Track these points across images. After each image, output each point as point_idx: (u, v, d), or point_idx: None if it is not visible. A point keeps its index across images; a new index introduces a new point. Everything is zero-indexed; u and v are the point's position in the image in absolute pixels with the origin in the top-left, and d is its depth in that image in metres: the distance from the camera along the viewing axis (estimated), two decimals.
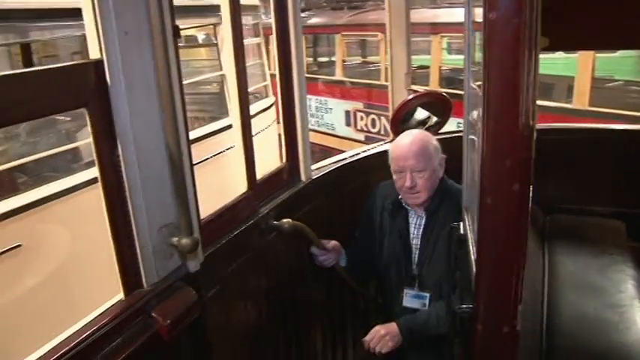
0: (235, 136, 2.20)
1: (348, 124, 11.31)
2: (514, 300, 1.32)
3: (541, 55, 1.25)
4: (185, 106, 1.65)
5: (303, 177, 2.72)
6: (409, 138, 2.52)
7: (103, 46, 1.35)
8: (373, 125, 10.82)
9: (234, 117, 2.21)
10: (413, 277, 2.59)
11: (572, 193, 3.75)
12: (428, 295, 2.56)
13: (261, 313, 2.43)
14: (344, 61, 11.67)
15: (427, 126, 3.39)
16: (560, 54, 8.31)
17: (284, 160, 2.67)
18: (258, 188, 2.30)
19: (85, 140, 4.67)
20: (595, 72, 8.89)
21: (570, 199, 3.71)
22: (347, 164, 3.20)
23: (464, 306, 1.60)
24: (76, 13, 1.50)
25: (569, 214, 3.61)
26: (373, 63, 11.80)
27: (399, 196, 2.60)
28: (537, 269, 2.88)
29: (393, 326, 2.53)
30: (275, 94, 4.35)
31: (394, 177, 2.54)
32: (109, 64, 1.36)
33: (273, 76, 7.38)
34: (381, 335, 2.51)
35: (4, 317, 3.57)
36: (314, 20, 12.35)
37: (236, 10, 2.11)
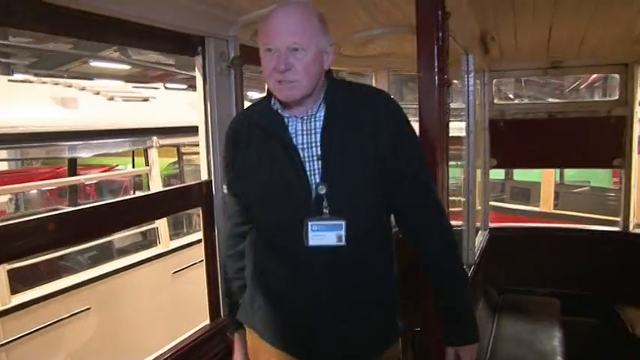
0: None
1: None
2: None
3: None
4: None
5: None
6: (289, 7, 1.75)
7: (212, 170, 2.43)
8: None
9: None
10: (318, 199, 1.75)
11: (520, 278, 4.70)
12: (343, 222, 1.75)
13: None
14: None
15: None
16: None
17: None
18: None
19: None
20: (564, 179, 10.21)
21: (519, 282, 4.69)
22: None
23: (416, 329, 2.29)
24: None
25: (517, 294, 4.60)
26: None
27: (272, 104, 1.82)
28: (486, 333, 3.82)
29: (469, 350, 1.91)
30: None
31: (262, 62, 1.75)
32: (215, 183, 2.44)
33: None
34: None
35: None
36: None
37: None
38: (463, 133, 3.67)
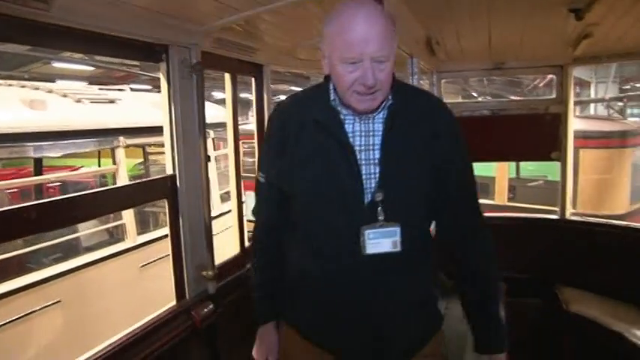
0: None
1: None
2: None
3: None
4: (210, 199, 2.96)
5: None
6: (367, 10, 1.63)
7: (177, 165, 2.68)
8: None
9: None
10: (373, 206, 1.72)
11: None
12: (398, 228, 1.73)
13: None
14: None
15: None
16: None
17: None
18: (247, 251, 3.57)
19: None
20: (519, 174, 10.73)
21: None
22: None
23: None
24: None
25: None
26: None
27: (331, 99, 1.78)
28: None
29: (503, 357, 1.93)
30: None
31: (338, 69, 1.65)
32: (180, 177, 2.69)
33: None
34: None
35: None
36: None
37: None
38: None
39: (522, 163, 10.69)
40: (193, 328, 2.76)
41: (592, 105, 17.39)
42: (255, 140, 3.83)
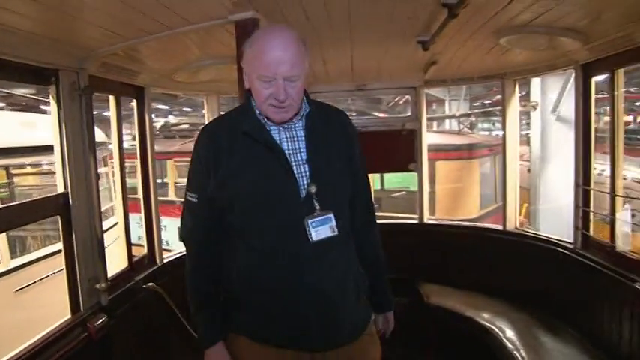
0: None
1: None
2: None
3: None
4: (101, 219, 3.11)
5: (157, 260, 4.14)
6: (282, 34, 1.93)
7: (69, 184, 2.81)
8: None
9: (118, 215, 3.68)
10: (309, 199, 1.98)
11: None
12: (332, 214, 2.00)
13: (144, 328, 3.70)
14: (176, 183, 12.85)
15: None
16: None
17: (145, 249, 4.09)
18: (134, 265, 3.72)
19: None
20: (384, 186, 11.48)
21: None
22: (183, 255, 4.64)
23: None
24: None
25: None
26: None
27: (257, 113, 2.03)
28: None
29: (388, 316, 2.54)
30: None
31: (256, 85, 1.93)
32: (72, 194, 2.82)
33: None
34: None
35: None
36: None
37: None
38: None
39: (387, 176, 11.49)
40: (89, 340, 2.88)
41: (447, 120, 18.93)
42: (138, 159, 4.00)
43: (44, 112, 12.21)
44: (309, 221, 1.97)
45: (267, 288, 2.02)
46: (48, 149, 7.24)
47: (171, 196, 12.58)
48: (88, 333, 2.88)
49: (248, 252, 2.04)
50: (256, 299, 2.06)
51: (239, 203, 2.01)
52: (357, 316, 2.16)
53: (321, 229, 1.98)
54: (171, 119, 22.41)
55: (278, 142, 2.01)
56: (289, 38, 1.91)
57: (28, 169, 7.91)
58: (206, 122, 5.09)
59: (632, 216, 6.88)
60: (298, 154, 2.02)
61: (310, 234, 1.96)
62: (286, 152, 2.01)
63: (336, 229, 2.01)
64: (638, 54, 3.05)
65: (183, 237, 2.22)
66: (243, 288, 2.07)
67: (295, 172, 1.99)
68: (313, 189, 1.99)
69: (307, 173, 2.00)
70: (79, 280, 2.91)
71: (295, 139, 2.04)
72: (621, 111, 3.51)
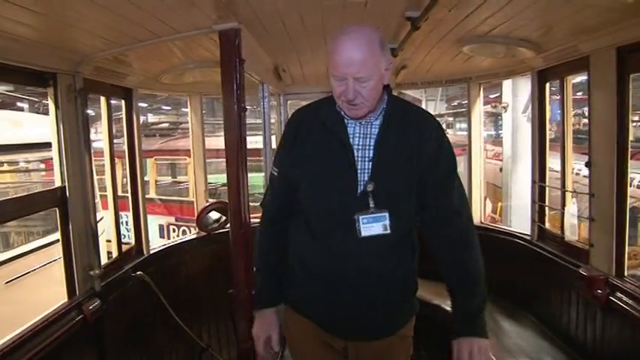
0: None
1: (162, 236, 12.34)
2: None
3: None
4: (96, 211, 3.36)
5: (144, 251, 4.38)
6: (354, 36, 1.94)
7: (66, 178, 3.06)
8: (185, 235, 12.10)
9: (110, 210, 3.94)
10: (365, 196, 2.03)
11: None
12: (387, 213, 2.03)
13: (133, 312, 3.96)
14: (157, 181, 13.03)
15: (219, 223, 5.10)
16: None
17: (133, 241, 4.34)
18: (123, 255, 3.98)
19: None
20: None
21: None
22: (168, 247, 4.93)
23: None
24: None
25: None
26: (183, 182, 13.30)
27: (337, 105, 2.08)
28: None
29: (480, 343, 2.13)
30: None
31: (332, 82, 2.00)
32: (69, 188, 3.08)
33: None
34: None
35: None
36: None
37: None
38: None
39: None
40: (84, 322, 3.13)
41: None
42: (127, 158, 4.25)
43: (21, 109, 12.28)
44: (361, 217, 2.03)
45: (313, 271, 2.14)
46: (28, 147, 7.43)
47: (152, 194, 12.64)
48: (83, 315, 3.12)
49: (305, 232, 2.16)
50: (303, 278, 2.19)
51: (304, 184, 2.13)
52: (396, 316, 2.22)
53: (373, 226, 2.03)
54: (150, 117, 22.48)
55: (351, 135, 2.09)
56: (361, 39, 1.94)
57: (5, 167, 8.09)
58: (189, 121, 5.37)
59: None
60: (366, 151, 2.07)
61: (359, 229, 2.03)
62: (355, 147, 2.07)
63: (389, 228, 2.04)
64: (583, 63, 3.38)
65: (262, 204, 2.40)
66: (295, 263, 2.22)
67: (359, 168, 2.06)
68: (371, 187, 2.03)
69: (369, 171, 2.05)
70: (75, 267, 3.15)
71: (367, 135, 2.09)
72: (570, 114, 3.86)
